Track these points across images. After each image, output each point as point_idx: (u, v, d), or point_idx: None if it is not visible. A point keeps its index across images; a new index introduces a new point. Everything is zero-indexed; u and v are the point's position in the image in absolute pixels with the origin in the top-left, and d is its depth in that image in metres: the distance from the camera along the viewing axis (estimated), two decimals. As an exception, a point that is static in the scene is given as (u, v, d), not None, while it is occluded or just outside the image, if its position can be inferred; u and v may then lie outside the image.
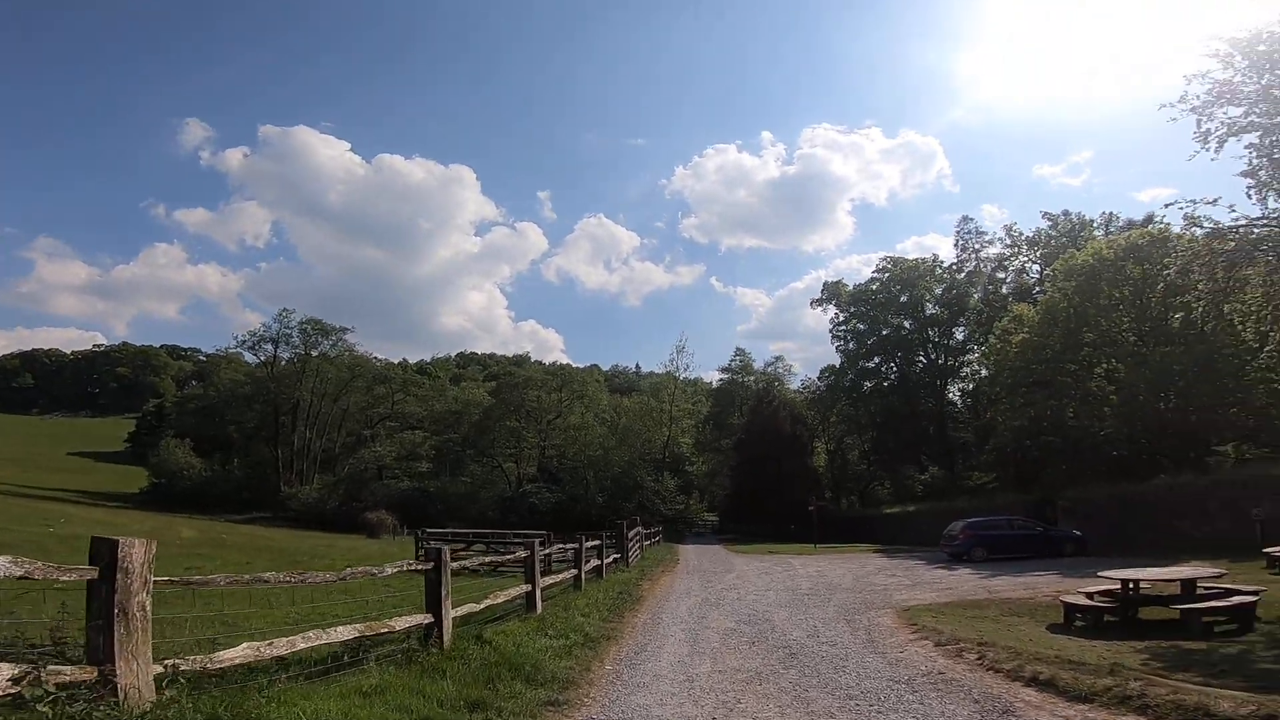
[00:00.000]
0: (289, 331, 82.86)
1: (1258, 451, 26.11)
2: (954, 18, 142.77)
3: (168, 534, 32.65)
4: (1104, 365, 32.45)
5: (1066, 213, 55.55)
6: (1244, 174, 11.69)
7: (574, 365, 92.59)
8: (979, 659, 6.51)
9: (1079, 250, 40.30)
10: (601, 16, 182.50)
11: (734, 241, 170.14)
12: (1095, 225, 53.31)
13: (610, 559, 17.31)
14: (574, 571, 13.32)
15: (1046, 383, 33.06)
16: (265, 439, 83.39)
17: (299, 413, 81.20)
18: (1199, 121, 11.71)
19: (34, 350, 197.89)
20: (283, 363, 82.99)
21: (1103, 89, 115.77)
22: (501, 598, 9.59)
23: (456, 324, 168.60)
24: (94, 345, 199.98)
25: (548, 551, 14.23)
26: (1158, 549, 21.03)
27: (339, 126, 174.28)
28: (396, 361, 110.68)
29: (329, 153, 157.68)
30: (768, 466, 48.04)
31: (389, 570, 7.41)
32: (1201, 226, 11.49)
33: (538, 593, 10.25)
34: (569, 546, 14.42)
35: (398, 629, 6.57)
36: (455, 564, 16.99)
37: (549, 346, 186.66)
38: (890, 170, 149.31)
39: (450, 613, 7.22)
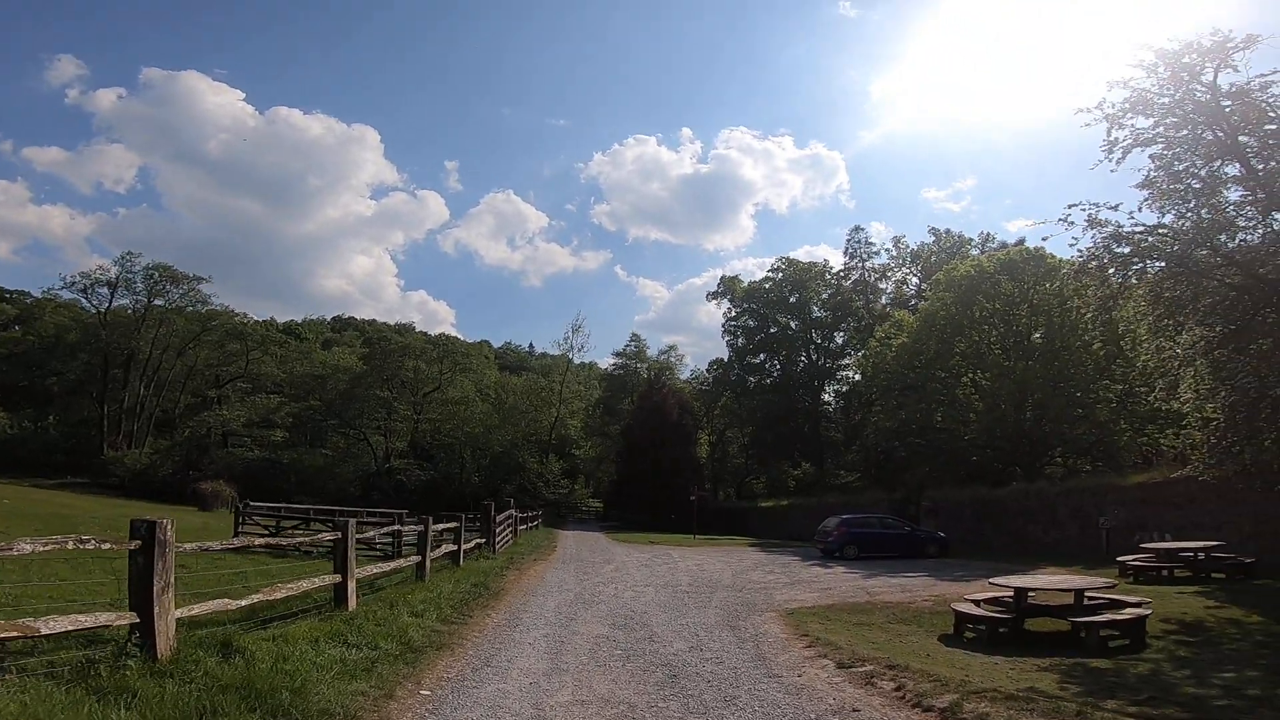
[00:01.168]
0: (131, 276, 72.31)
1: (1094, 465, 28.44)
2: (878, 42, 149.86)
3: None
4: (971, 375, 34.38)
5: (948, 230, 59.76)
6: (1142, 185, 11.81)
7: (460, 338, 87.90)
8: (896, 689, 5.52)
9: (959, 263, 42.93)
10: None
11: (641, 232, 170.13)
12: (973, 244, 57.47)
13: (471, 543, 15.47)
14: (416, 558, 11.37)
15: (918, 388, 34.59)
16: (92, 395, 72.73)
17: (134, 367, 71.24)
18: (1109, 130, 11.72)
19: None
20: (126, 312, 72.46)
21: (992, 120, 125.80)
22: (302, 587, 7.62)
23: (336, 287, 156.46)
24: None
25: (378, 533, 12.27)
26: (1012, 552, 22.15)
27: (235, 75, 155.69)
28: (263, 320, 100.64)
29: (218, 100, 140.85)
30: (653, 453, 47.57)
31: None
32: (1101, 229, 11.63)
33: (350, 584, 8.37)
34: (411, 529, 12.46)
35: (44, 632, 4.47)
36: (286, 542, 14.63)
37: (438, 319, 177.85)
38: (795, 180, 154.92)
39: (173, 611, 5.26)
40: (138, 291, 72.84)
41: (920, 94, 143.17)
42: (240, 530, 18.03)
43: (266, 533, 17.40)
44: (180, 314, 73.32)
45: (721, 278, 66.84)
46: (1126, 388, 27.36)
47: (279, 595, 7.24)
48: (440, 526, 13.24)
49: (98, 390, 71.17)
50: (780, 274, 63.01)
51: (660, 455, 47.41)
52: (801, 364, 62.64)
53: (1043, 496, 23.16)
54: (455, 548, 13.75)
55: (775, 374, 62.85)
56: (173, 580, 5.29)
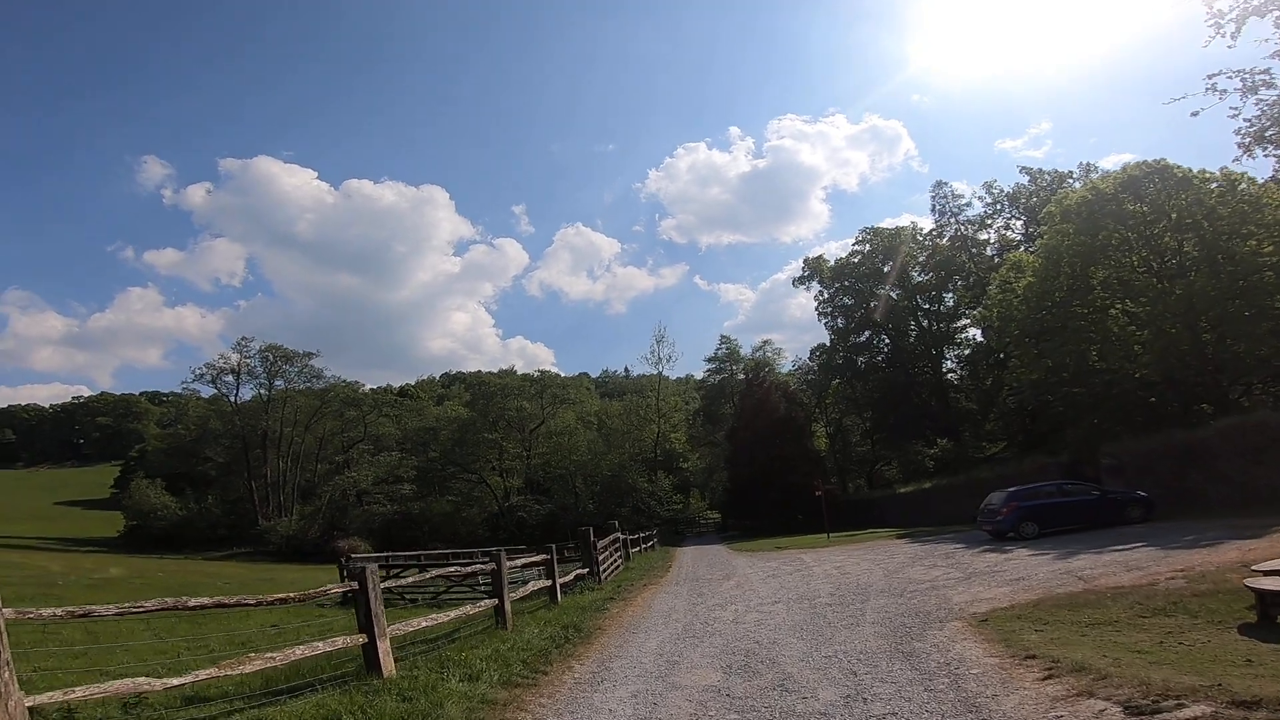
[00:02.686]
0: (250, 361, 78.42)
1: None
2: (904, 3, 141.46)
3: (95, 572, 29.15)
4: (1119, 305, 29.05)
5: (1041, 171, 52.76)
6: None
7: (558, 373, 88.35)
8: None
9: (1071, 192, 37.17)
10: (559, 25, 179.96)
11: (712, 239, 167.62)
12: (1074, 177, 50.30)
13: (570, 575, 13.43)
14: (490, 602, 9.40)
15: (1058, 330, 29.59)
16: (239, 474, 79.09)
17: (269, 444, 76.82)
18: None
19: (10, 406, 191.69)
20: (251, 395, 78.77)
21: (1053, 61, 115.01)
22: (318, 649, 5.78)
23: (443, 346, 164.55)
24: (73, 398, 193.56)
25: (411, 580, 10.38)
26: (1237, 503, 17.47)
27: (301, 154, 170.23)
28: (380, 387, 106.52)
29: (293, 181, 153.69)
30: (765, 452, 44.23)
31: None
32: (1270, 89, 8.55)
33: (380, 645, 6.40)
34: (480, 566, 10.56)
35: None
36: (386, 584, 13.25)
37: (538, 361, 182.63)
38: (858, 156, 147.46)
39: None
40: (258, 375, 78.92)
41: (960, 48, 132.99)
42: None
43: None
44: (299, 391, 78.52)
45: (804, 260, 62.62)
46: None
47: (314, 653, 5.49)
48: (523, 561, 11.29)
49: (243, 469, 77.28)
50: (867, 245, 58.17)
51: (772, 453, 43.99)
52: (913, 334, 57.23)
53: (1269, 429, 18.16)
54: (550, 582, 11.73)
55: (885, 349, 57.82)
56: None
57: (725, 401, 63.77)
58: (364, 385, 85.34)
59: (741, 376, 62.18)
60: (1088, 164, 51.09)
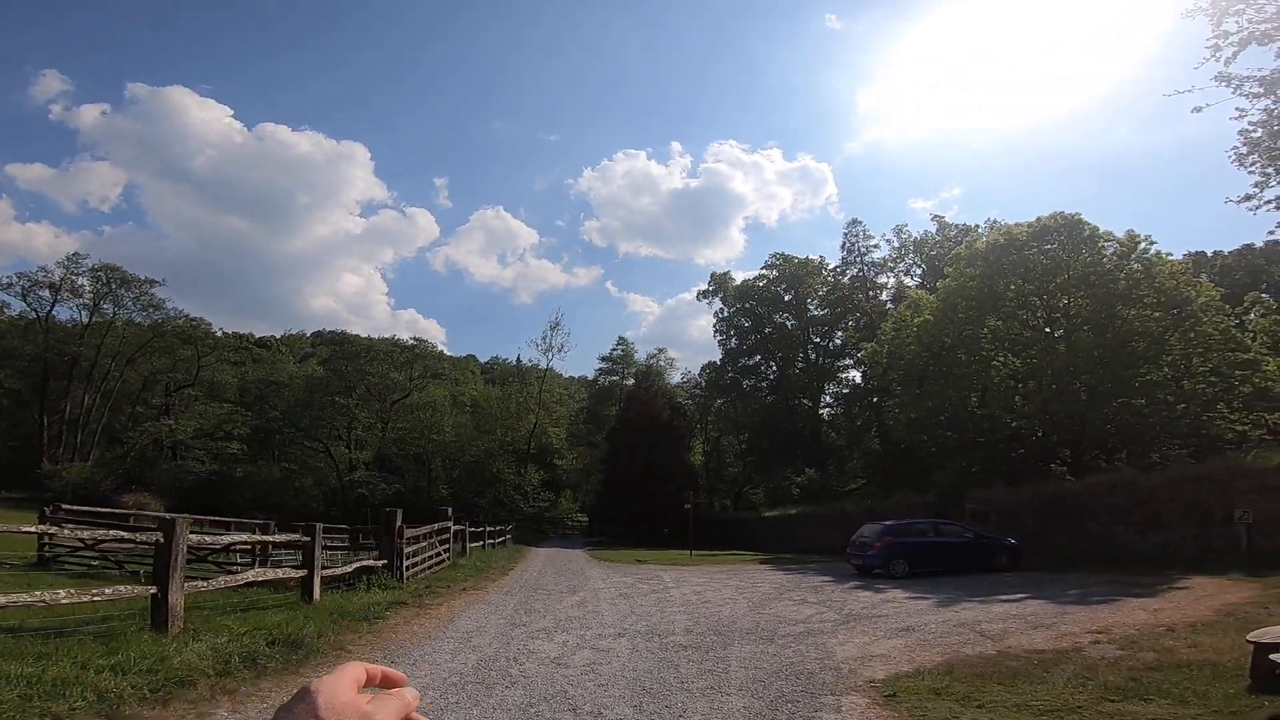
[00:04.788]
0: (75, 277, 66.37)
1: (1183, 450, 23.49)
2: (863, 53, 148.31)
3: None
4: (1003, 358, 29.66)
5: (949, 223, 55.08)
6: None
7: (439, 347, 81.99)
8: None
9: (980, 237, 38.38)
10: (528, 8, 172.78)
11: (631, 248, 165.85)
12: (981, 231, 52.87)
13: (353, 566, 10.21)
14: (150, 589, 6.17)
15: (943, 373, 29.79)
16: (35, 406, 66.57)
17: (77, 375, 65.22)
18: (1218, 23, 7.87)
19: None
20: (69, 318, 66.71)
21: (974, 128, 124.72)
22: None
23: (325, 305, 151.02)
24: None
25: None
26: (1101, 560, 17.10)
27: (221, 90, 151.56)
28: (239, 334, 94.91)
29: (204, 116, 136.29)
30: (642, 458, 42.13)
31: None
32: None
33: None
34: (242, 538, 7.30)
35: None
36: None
37: (428, 337, 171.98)
38: (784, 192, 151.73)
39: None
40: (84, 295, 67.10)
41: (904, 104, 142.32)
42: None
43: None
44: (127, 321, 67.62)
45: (712, 275, 62.03)
46: (1212, 363, 22.78)
47: None
48: (236, 537, 8.03)
49: (36, 400, 65.14)
50: (775, 270, 58.54)
51: (650, 460, 42.00)
52: (800, 366, 58.05)
53: (1135, 490, 18.10)
54: (305, 573, 8.47)
55: (772, 376, 58.40)
56: None
57: (612, 404, 61.52)
58: (211, 325, 74.75)
59: (631, 382, 60.26)
60: (994, 220, 53.77)
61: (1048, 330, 28.51)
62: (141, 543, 9.93)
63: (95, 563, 13.18)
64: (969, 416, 28.42)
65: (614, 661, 6.71)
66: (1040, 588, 12.81)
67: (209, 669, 5.14)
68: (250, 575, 7.52)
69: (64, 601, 5.07)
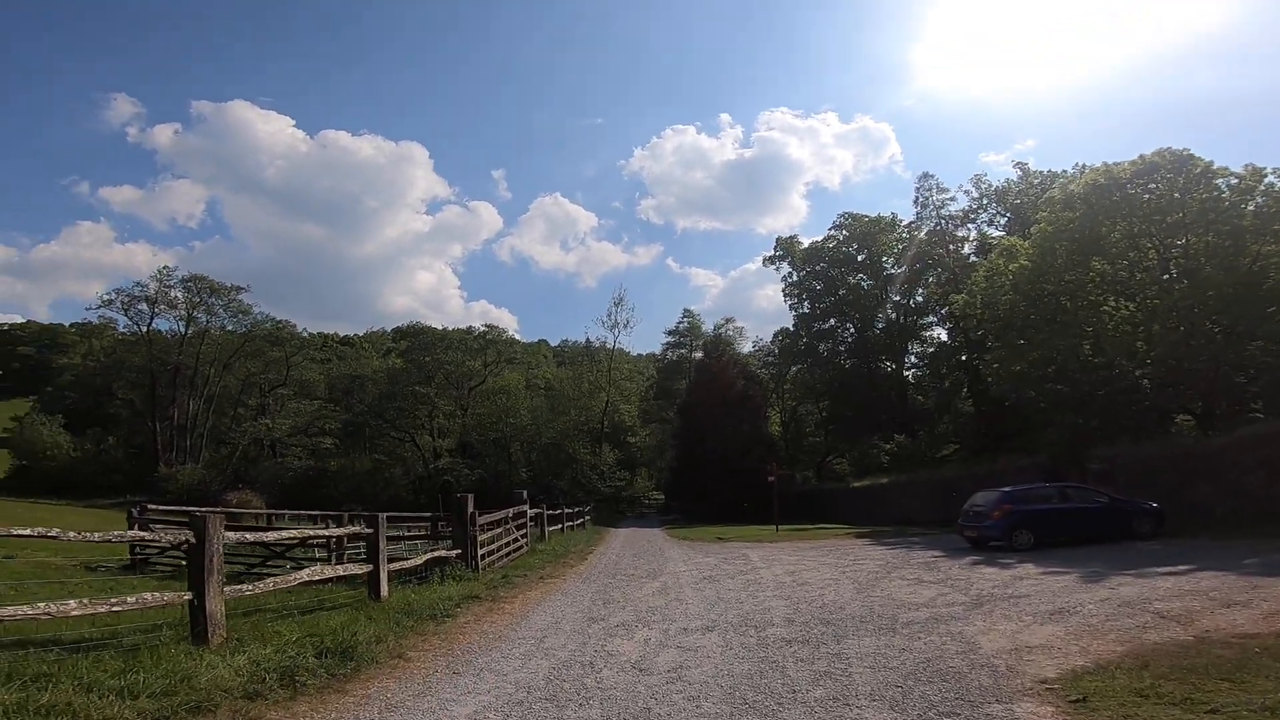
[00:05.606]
0: (169, 290, 70.78)
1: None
2: (907, 9, 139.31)
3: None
4: (1113, 302, 26.55)
5: (1033, 170, 50.07)
6: None
7: (510, 333, 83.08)
8: None
9: (1077, 177, 34.62)
10: None
11: (690, 223, 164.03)
12: (1070, 176, 47.96)
13: (422, 559, 9.57)
14: (188, 595, 5.52)
15: (1049, 321, 26.94)
16: (146, 415, 71.95)
17: (180, 382, 69.85)
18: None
19: None
20: (167, 329, 71.45)
21: (1044, 79, 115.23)
22: None
23: (404, 304, 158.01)
24: None
25: None
26: (1256, 521, 14.69)
27: (281, 102, 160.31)
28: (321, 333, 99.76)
29: (268, 128, 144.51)
30: (716, 430, 40.83)
31: None
32: None
33: None
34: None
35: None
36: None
37: (502, 326, 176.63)
38: (844, 155, 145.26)
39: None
40: (178, 306, 71.49)
41: (961, 57, 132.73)
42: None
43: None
44: (221, 328, 71.67)
45: (777, 239, 59.52)
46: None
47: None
48: (286, 533, 7.40)
49: (149, 409, 70.21)
50: (845, 231, 55.39)
51: (725, 432, 40.61)
52: (879, 326, 54.87)
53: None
54: (371, 568, 7.83)
55: (849, 338, 55.49)
56: None
57: (681, 378, 60.47)
58: (296, 326, 78.33)
59: (699, 354, 58.87)
60: (1083, 165, 48.74)
61: (1166, 274, 25.23)
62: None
63: (184, 563, 13.29)
64: (1081, 366, 25.60)
65: (704, 663, 5.63)
66: (1204, 557, 10.87)
67: (237, 689, 4.41)
68: (305, 575, 6.87)
69: (74, 614, 4.43)
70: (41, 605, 4.26)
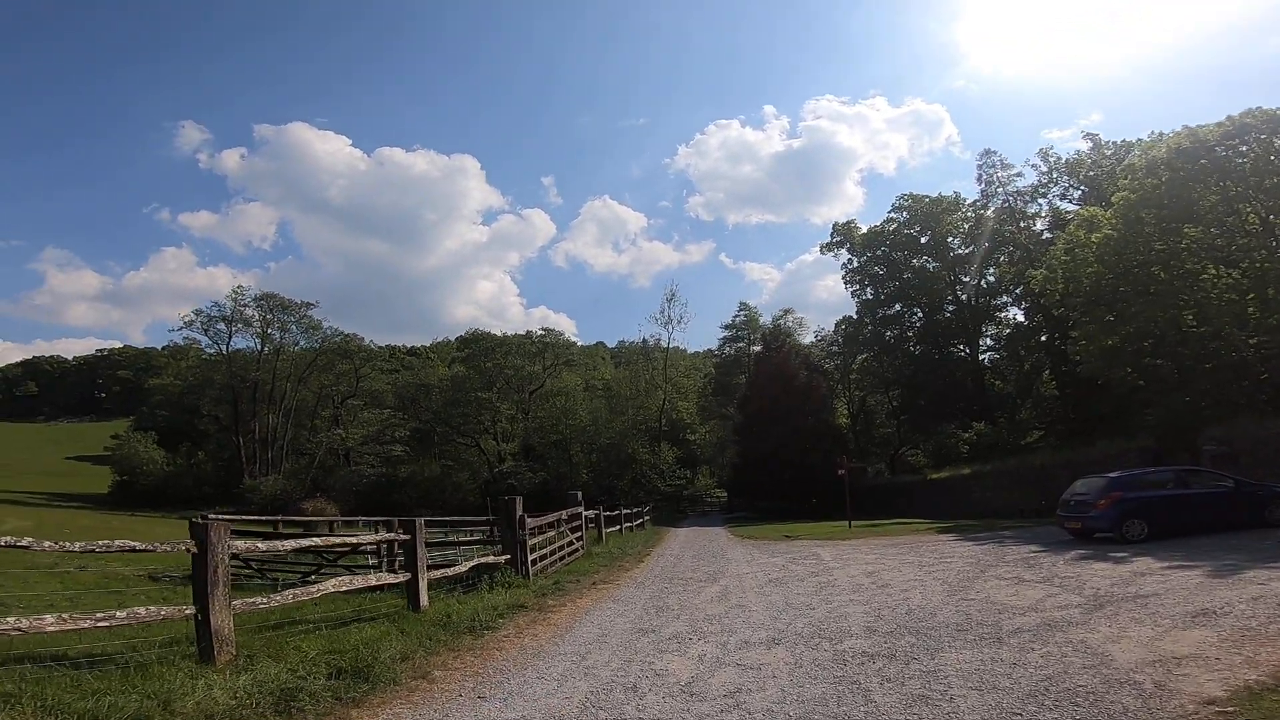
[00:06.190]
0: (245, 309, 74.48)
1: None
2: None
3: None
4: (1213, 270, 23.96)
5: (1106, 140, 46.08)
6: None
7: (567, 336, 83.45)
8: None
9: (1160, 142, 31.56)
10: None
11: (741, 217, 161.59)
12: (1149, 142, 43.95)
13: (465, 565, 9.02)
14: (190, 610, 5.05)
15: (1141, 294, 24.51)
16: (230, 429, 76.04)
17: (260, 398, 73.45)
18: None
19: (35, 358, 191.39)
20: (244, 346, 75.32)
21: (1107, 51, 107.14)
22: None
23: (467, 314, 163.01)
24: (96, 350, 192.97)
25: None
26: None
27: (335, 121, 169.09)
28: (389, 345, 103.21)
29: (327, 148, 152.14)
30: (779, 424, 39.34)
31: None
32: None
33: None
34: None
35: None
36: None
37: (559, 330, 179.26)
38: (898, 139, 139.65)
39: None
40: (254, 324, 75.04)
41: (1010, 33, 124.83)
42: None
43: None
44: (295, 344, 74.88)
45: (834, 225, 57.22)
46: None
47: None
48: (308, 541, 7.01)
49: (233, 424, 74.11)
50: (905, 213, 52.78)
51: (789, 426, 39.06)
52: (950, 310, 51.99)
53: None
54: (409, 576, 7.30)
55: (918, 324, 52.89)
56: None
57: (740, 372, 59.04)
58: (365, 339, 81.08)
59: (758, 348, 57.25)
60: (1159, 133, 44.73)
61: (1272, 238, 22.54)
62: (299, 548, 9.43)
63: (245, 572, 13.29)
64: (1182, 339, 23.14)
65: (768, 686, 4.76)
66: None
67: (221, 715, 3.85)
68: (330, 586, 6.36)
69: (50, 629, 3.98)
70: (11, 620, 3.81)
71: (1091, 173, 44.07)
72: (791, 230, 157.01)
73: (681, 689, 4.73)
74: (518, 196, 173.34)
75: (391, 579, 7.39)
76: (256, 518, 22.57)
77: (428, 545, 14.78)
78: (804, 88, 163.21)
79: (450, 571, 8.57)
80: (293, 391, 74.79)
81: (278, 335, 75.01)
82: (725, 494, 57.54)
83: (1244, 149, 22.86)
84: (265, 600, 5.72)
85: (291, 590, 6.26)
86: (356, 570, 11.62)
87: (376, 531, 12.08)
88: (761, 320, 63.82)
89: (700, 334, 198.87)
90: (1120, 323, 24.89)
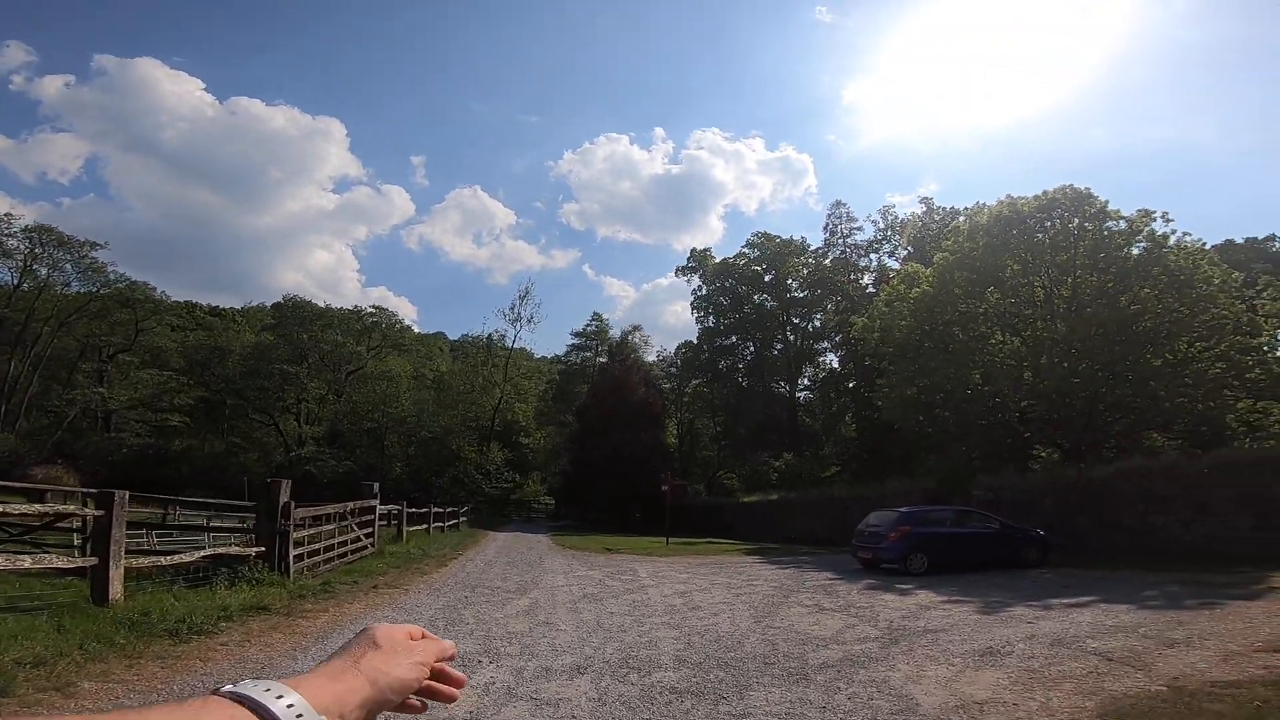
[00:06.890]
0: (6, 238, 60.58)
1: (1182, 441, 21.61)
2: (852, 48, 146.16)
3: None
4: (1000, 335, 27.61)
5: (938, 206, 52.96)
6: None
7: (398, 317, 77.69)
8: None
9: (982, 210, 36.21)
10: None
11: (610, 231, 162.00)
12: (974, 209, 50.90)
13: (198, 554, 7.22)
14: None
15: (941, 349, 27.57)
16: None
17: (3, 340, 59.88)
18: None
19: None
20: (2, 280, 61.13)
21: (954, 124, 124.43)
22: None
23: (293, 281, 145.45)
24: None
25: None
26: (1143, 554, 14.86)
27: (193, 63, 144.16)
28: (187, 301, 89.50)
29: (175, 89, 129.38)
30: (614, 437, 39.27)
31: None
32: None
33: None
34: None
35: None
36: None
37: (395, 312, 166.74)
38: (764, 181, 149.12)
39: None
40: (17, 255, 61.38)
41: (890, 99, 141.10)
42: None
43: None
44: (64, 284, 62.25)
45: (692, 251, 59.57)
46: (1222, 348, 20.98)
47: None
48: None
49: (-38, 367, 59.68)
50: (756, 250, 56.26)
51: (622, 440, 39.18)
52: (778, 347, 55.97)
53: (1177, 475, 15.88)
54: (97, 561, 5.47)
55: (749, 357, 56.39)
56: None
57: (584, 382, 58.58)
58: (155, 288, 69.26)
59: (604, 359, 57.18)
60: (981, 204, 51.71)
61: (1050, 309, 26.45)
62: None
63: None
64: (968, 397, 26.23)
65: (561, 727, 3.90)
66: (1098, 588, 10.39)
67: None
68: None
69: None
70: None
71: (920, 234, 49.76)
72: (654, 252, 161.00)
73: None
74: (380, 170, 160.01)
75: (64, 563, 5.53)
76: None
77: (179, 529, 12.18)
78: (695, 116, 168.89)
79: (168, 560, 6.75)
80: (50, 336, 61.91)
81: (44, 272, 61.92)
82: (554, 501, 56.48)
83: (1048, 224, 26.20)
84: None
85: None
86: (49, 551, 9.11)
87: (65, 504, 9.59)
88: (611, 333, 64.16)
89: (550, 340, 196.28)
90: (920, 375, 27.65)
